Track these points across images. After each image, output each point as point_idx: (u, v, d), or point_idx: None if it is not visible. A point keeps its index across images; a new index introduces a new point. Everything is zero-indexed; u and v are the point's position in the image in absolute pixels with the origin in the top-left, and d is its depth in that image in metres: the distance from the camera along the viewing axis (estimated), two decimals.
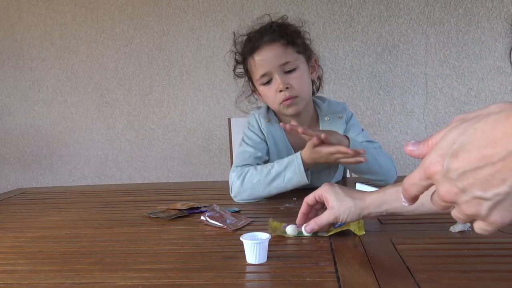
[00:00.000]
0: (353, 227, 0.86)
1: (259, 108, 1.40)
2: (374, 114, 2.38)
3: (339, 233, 0.86)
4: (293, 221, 0.91)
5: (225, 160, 2.46)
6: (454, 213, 0.46)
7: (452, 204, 0.45)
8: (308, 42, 1.32)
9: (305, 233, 0.87)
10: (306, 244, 0.84)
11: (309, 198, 0.90)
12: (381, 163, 1.23)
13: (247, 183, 1.19)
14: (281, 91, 1.23)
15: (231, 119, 1.77)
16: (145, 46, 2.47)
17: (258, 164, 1.26)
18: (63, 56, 2.53)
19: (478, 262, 0.72)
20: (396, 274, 0.67)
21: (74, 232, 0.99)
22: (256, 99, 1.41)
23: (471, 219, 0.45)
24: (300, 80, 1.25)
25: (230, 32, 2.37)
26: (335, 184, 0.88)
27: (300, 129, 1.10)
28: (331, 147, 1.11)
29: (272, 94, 1.26)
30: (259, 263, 0.74)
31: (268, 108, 1.36)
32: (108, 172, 2.58)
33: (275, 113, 1.36)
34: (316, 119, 1.36)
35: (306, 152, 1.16)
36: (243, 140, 1.33)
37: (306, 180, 1.16)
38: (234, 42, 1.33)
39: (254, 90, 1.36)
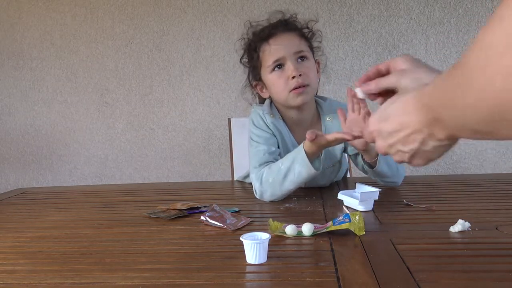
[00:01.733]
0: (353, 227, 0.86)
1: (260, 104, 1.38)
2: None
3: (339, 233, 0.86)
4: (293, 221, 0.91)
5: (225, 160, 2.45)
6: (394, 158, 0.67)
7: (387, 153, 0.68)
8: (319, 41, 1.35)
9: (305, 233, 0.87)
10: (306, 244, 0.84)
11: (382, 64, 0.78)
12: (397, 164, 1.24)
13: (265, 183, 1.19)
14: (293, 77, 1.23)
15: (231, 119, 1.77)
16: (145, 46, 2.47)
17: (275, 158, 1.25)
18: (63, 56, 2.52)
19: (478, 262, 0.72)
20: (396, 274, 0.67)
21: (74, 232, 0.99)
22: (255, 97, 1.40)
23: (402, 162, 0.66)
24: (312, 70, 1.28)
25: (230, 32, 2.40)
26: (414, 57, 0.75)
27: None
28: (329, 135, 1.10)
29: (282, 82, 1.25)
30: (259, 263, 0.74)
31: (270, 104, 1.35)
32: (108, 172, 2.58)
33: (277, 110, 1.35)
34: (318, 118, 1.35)
35: (307, 142, 1.15)
36: (252, 139, 1.30)
37: (314, 170, 1.14)
38: (248, 28, 1.33)
39: (256, 84, 1.35)
